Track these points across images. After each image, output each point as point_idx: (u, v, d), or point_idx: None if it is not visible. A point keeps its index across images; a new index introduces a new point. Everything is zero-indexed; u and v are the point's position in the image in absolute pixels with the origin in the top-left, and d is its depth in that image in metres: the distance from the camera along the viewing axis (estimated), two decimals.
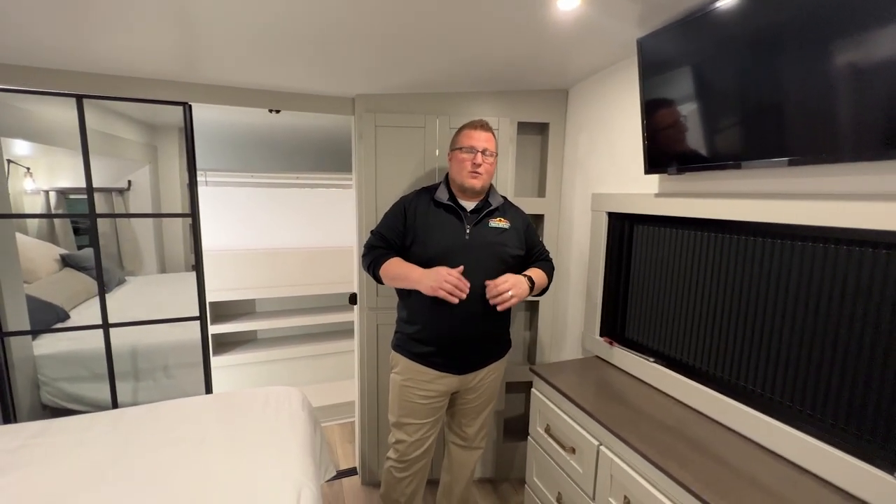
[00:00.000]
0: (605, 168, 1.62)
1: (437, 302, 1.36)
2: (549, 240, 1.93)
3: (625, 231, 1.55)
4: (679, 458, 1.01)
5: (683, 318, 1.32)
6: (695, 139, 1.16)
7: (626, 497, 1.10)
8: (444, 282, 1.27)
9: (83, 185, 1.71)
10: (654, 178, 1.38)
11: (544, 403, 1.47)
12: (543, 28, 1.20)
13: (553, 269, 1.59)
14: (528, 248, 1.52)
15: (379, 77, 1.63)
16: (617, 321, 1.59)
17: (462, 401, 1.56)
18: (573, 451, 1.32)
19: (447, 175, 1.51)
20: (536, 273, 1.46)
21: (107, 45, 1.34)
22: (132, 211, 3.87)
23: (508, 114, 1.83)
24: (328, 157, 3.79)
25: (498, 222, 1.46)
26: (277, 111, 1.93)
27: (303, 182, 3.36)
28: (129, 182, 3.83)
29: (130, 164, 3.63)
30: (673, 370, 1.32)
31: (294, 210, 3.16)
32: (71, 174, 3.72)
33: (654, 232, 1.42)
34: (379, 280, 1.46)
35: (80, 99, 1.62)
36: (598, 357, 1.64)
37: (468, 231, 1.41)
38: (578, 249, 1.79)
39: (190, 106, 1.75)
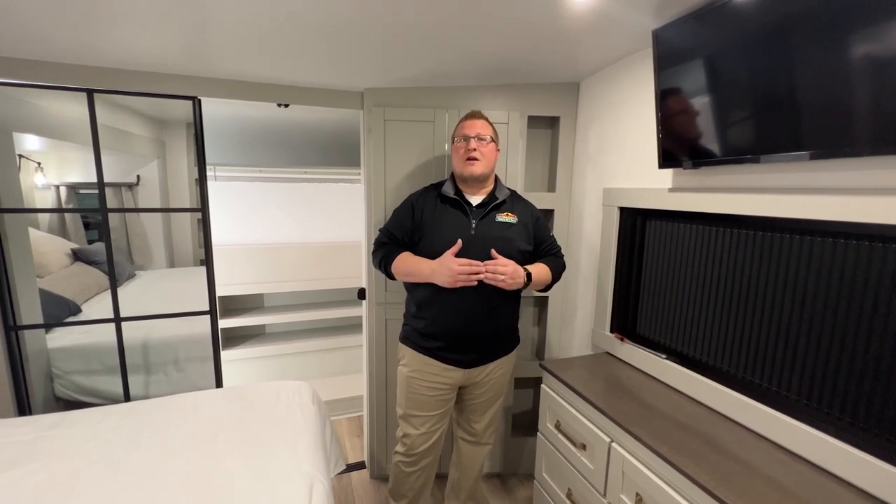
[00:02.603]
0: (617, 162, 1.60)
1: (445, 298, 1.37)
2: (559, 235, 1.91)
3: (637, 226, 1.53)
4: (693, 456, 1.00)
5: (697, 314, 1.30)
6: (711, 133, 1.13)
7: (638, 494, 1.09)
8: (458, 275, 1.31)
9: (93, 180, 1.72)
10: (668, 172, 1.36)
11: (554, 399, 1.47)
12: (555, 19, 1.18)
13: (563, 266, 1.57)
14: (536, 242, 1.50)
15: (388, 71, 1.61)
16: (628, 317, 1.58)
17: (469, 396, 1.55)
18: (583, 447, 1.31)
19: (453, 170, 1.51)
20: (538, 269, 1.44)
21: (117, 39, 1.34)
22: (141, 206, 3.89)
23: (518, 107, 1.81)
24: (337, 152, 3.78)
25: (505, 217, 1.45)
26: (286, 105, 1.92)
27: (311, 177, 3.36)
28: (138, 177, 3.86)
29: (139, 159, 3.65)
30: (685, 367, 1.31)
31: (303, 205, 3.16)
32: (81, 169, 3.74)
33: (667, 227, 1.40)
34: (391, 276, 1.47)
35: (90, 93, 1.63)
36: (608, 353, 1.63)
37: (474, 226, 1.41)
38: (589, 245, 1.78)
39: (199, 100, 1.75)
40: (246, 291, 2.90)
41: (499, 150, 1.49)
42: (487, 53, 1.45)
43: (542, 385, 1.54)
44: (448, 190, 1.45)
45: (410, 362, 1.50)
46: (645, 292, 1.51)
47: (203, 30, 1.27)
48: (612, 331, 1.62)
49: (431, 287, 1.38)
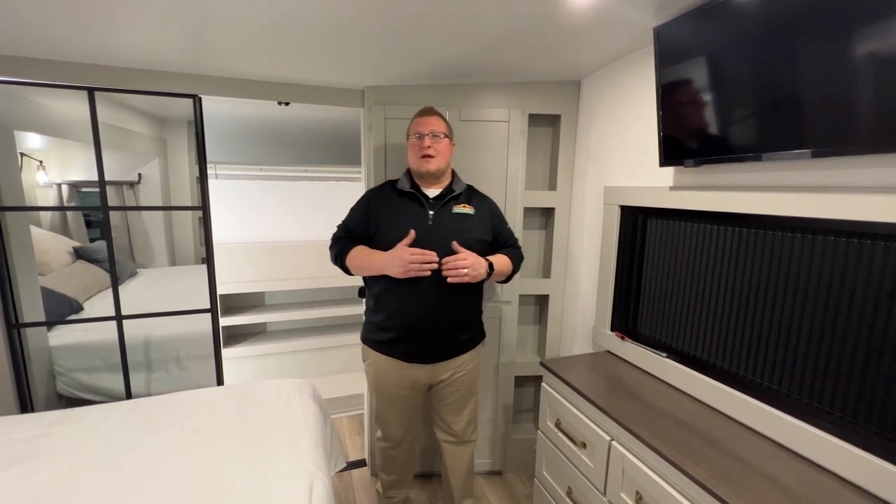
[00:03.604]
0: (618, 161, 1.59)
1: (402, 290, 1.38)
2: (559, 233, 1.91)
3: (638, 225, 1.53)
4: (694, 455, 1.00)
5: (698, 313, 1.30)
6: (713, 131, 1.13)
7: (638, 493, 1.09)
8: (410, 264, 1.31)
9: (95, 178, 1.72)
10: (669, 170, 1.36)
11: (554, 398, 1.47)
12: (557, 17, 1.17)
13: (521, 257, 1.60)
14: (494, 234, 1.53)
15: (388, 69, 1.61)
16: (629, 316, 1.57)
17: (439, 396, 1.57)
18: (584, 445, 1.31)
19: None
20: (499, 260, 1.46)
21: (118, 37, 1.34)
22: (142, 204, 3.90)
23: (520, 106, 1.80)
24: (337, 150, 3.78)
25: (462, 208, 1.46)
26: (287, 103, 1.92)
27: (312, 175, 3.36)
28: (140, 175, 3.86)
29: (141, 157, 3.65)
30: (686, 365, 1.30)
31: (303, 203, 3.16)
32: (82, 167, 3.75)
33: (668, 226, 1.40)
34: (347, 271, 1.48)
35: (91, 91, 1.63)
36: (609, 352, 1.62)
37: (431, 216, 1.42)
38: (590, 243, 1.77)
39: (200, 98, 1.75)
40: (247, 289, 2.90)
41: (453, 144, 1.51)
42: (489, 51, 1.44)
43: (543, 383, 1.54)
44: (403, 184, 1.47)
45: (374, 363, 1.52)
46: (646, 291, 1.51)
47: (204, 28, 1.27)
48: (612, 329, 1.61)
49: (388, 280, 1.38)
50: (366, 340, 1.54)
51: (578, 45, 1.42)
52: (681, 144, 1.22)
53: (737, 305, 1.17)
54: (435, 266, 1.32)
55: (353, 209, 1.54)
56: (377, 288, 1.46)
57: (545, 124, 1.93)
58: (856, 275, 0.91)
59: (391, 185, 1.52)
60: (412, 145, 1.45)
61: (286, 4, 1.11)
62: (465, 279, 1.34)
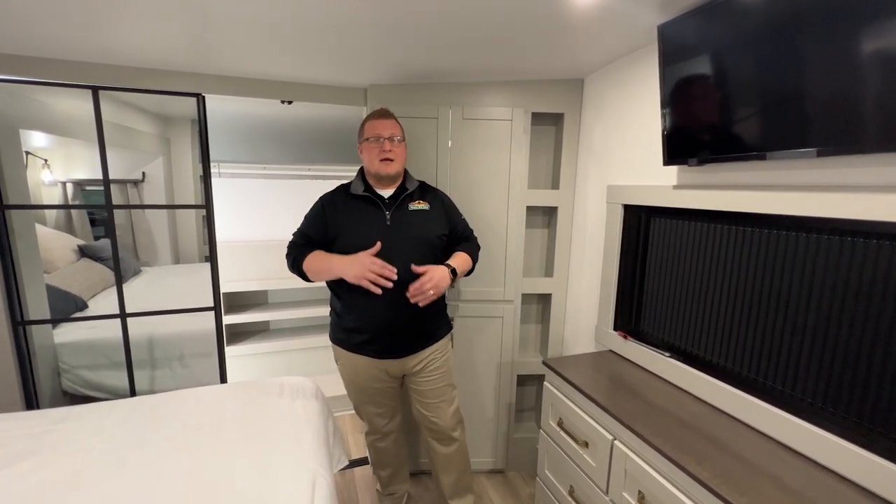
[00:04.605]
0: (622, 159, 1.59)
1: (370, 293, 1.37)
2: (562, 232, 1.91)
3: (641, 224, 1.52)
4: (696, 454, 0.99)
5: (701, 312, 1.29)
6: (717, 129, 1.12)
7: (640, 492, 1.09)
8: (368, 271, 1.31)
9: (99, 176, 1.73)
10: (673, 169, 1.35)
11: (557, 397, 1.47)
12: (560, 15, 1.17)
13: (478, 247, 1.62)
14: (450, 227, 1.55)
15: (391, 68, 1.61)
16: (632, 315, 1.57)
17: (415, 387, 1.58)
18: (586, 445, 1.31)
19: (361, 168, 1.52)
20: (459, 260, 1.49)
21: (122, 37, 1.34)
22: (146, 202, 3.92)
23: (522, 104, 1.80)
24: (341, 149, 3.78)
25: (417, 205, 1.48)
26: (290, 102, 1.92)
27: (315, 173, 3.36)
28: (144, 174, 3.88)
29: (144, 155, 3.67)
30: (689, 365, 1.30)
31: (306, 201, 3.16)
32: (87, 166, 3.77)
33: (671, 225, 1.40)
34: (305, 277, 1.48)
35: (95, 90, 1.64)
36: (611, 351, 1.62)
37: (389, 217, 1.43)
38: (592, 242, 1.77)
39: (203, 97, 1.75)
40: (250, 288, 2.91)
41: (405, 146, 1.53)
42: (490, 49, 1.44)
43: (545, 382, 1.54)
44: (357, 188, 1.47)
45: (346, 361, 1.54)
46: (649, 290, 1.50)
47: (205, 28, 1.27)
48: (615, 328, 1.61)
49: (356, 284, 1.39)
50: (335, 341, 1.56)
51: (582, 44, 1.42)
52: (684, 143, 1.22)
53: (740, 305, 1.17)
54: (390, 285, 1.33)
55: (308, 216, 1.54)
56: (342, 291, 1.47)
57: (548, 123, 1.93)
58: (861, 274, 0.90)
59: (344, 189, 1.52)
60: (370, 147, 1.43)
61: (287, 4, 1.11)
62: (434, 298, 1.37)
